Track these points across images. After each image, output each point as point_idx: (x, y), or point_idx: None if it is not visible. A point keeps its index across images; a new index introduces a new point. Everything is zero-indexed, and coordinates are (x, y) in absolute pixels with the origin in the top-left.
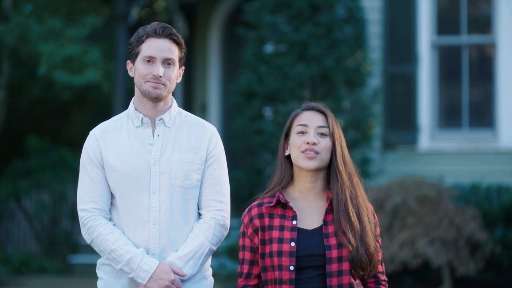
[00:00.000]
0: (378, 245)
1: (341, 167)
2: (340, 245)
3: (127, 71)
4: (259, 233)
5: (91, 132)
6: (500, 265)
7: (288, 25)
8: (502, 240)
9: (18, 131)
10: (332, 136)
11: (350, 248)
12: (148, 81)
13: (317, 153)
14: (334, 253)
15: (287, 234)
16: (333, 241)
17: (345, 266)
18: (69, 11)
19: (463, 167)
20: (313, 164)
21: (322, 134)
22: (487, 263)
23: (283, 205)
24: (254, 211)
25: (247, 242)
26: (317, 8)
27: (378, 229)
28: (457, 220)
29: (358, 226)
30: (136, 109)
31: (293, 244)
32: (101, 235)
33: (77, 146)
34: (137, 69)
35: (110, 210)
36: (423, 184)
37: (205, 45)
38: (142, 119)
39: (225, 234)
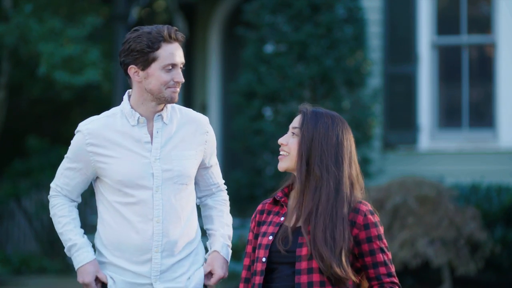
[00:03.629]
0: (376, 246)
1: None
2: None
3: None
4: (256, 228)
5: (83, 127)
6: (500, 265)
7: (288, 25)
8: (502, 240)
9: (18, 131)
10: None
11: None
12: (169, 87)
13: (286, 155)
14: (304, 251)
15: (270, 229)
16: (305, 239)
17: (315, 264)
18: (69, 11)
19: (463, 167)
20: (280, 165)
21: (293, 134)
22: (487, 263)
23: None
24: (259, 207)
25: (250, 236)
26: (317, 8)
27: (374, 230)
28: (457, 220)
29: (308, 237)
30: (132, 108)
31: (270, 238)
32: (56, 215)
33: None
34: (157, 77)
35: (116, 209)
36: (423, 184)
37: (205, 45)
38: (138, 118)
39: None
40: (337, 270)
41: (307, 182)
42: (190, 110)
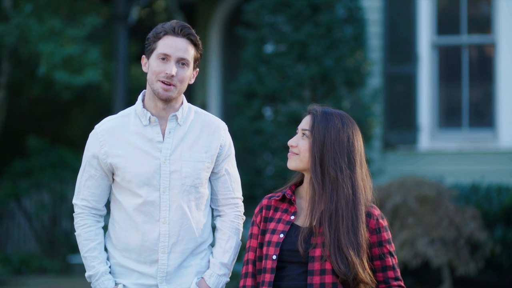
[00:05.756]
0: (386, 251)
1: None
2: (324, 245)
3: (127, 71)
4: (262, 223)
5: (98, 129)
6: (500, 265)
7: (288, 25)
8: (502, 240)
9: (18, 131)
10: (313, 138)
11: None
12: (159, 80)
13: (296, 154)
14: (318, 252)
15: (280, 227)
16: (319, 240)
17: (328, 265)
18: (69, 11)
19: (463, 167)
20: (289, 164)
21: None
22: (487, 263)
23: (290, 200)
24: (264, 202)
25: (255, 230)
26: (317, 8)
27: (385, 234)
28: (457, 220)
29: (329, 240)
30: (144, 107)
31: (281, 235)
32: (80, 237)
33: (77, 146)
34: (151, 66)
35: (126, 210)
36: (423, 184)
37: (205, 45)
38: (149, 118)
39: None
40: (361, 273)
41: (322, 184)
42: (208, 113)
